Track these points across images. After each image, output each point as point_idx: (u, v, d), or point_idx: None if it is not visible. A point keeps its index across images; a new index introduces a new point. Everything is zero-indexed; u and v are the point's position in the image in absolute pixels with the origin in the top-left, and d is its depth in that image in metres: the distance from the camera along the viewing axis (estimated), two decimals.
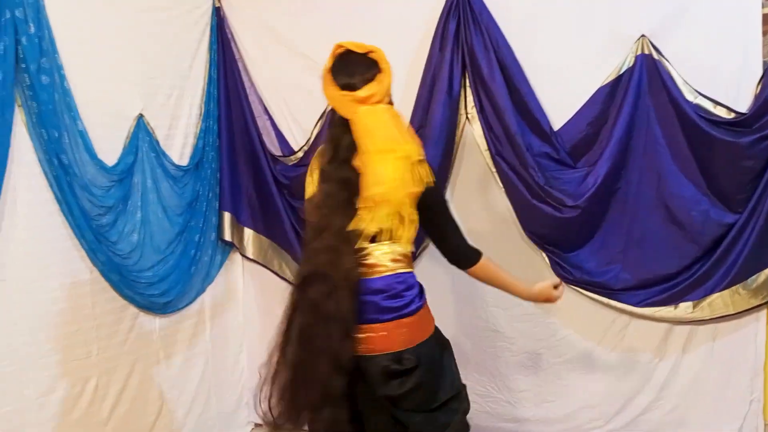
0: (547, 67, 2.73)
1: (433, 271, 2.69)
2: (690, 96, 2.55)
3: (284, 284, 3.28)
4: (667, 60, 2.57)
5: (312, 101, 3.12)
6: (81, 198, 2.50)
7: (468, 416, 2.13)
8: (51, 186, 2.43)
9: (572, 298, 2.81)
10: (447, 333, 2.18)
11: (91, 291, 2.59)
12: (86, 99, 2.53)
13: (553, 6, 2.74)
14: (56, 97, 2.41)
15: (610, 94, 2.64)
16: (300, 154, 3.18)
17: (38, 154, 2.39)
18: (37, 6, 2.32)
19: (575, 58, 2.71)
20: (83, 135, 2.52)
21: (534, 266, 2.85)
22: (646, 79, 2.59)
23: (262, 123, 3.25)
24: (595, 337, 2.84)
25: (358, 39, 2.93)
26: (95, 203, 2.57)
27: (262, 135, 3.23)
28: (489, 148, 2.79)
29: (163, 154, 2.92)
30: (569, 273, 2.75)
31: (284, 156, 3.21)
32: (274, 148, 3.24)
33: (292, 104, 3.20)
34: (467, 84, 2.83)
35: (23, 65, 2.31)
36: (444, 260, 2.12)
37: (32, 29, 2.32)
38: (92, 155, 2.56)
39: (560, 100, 2.73)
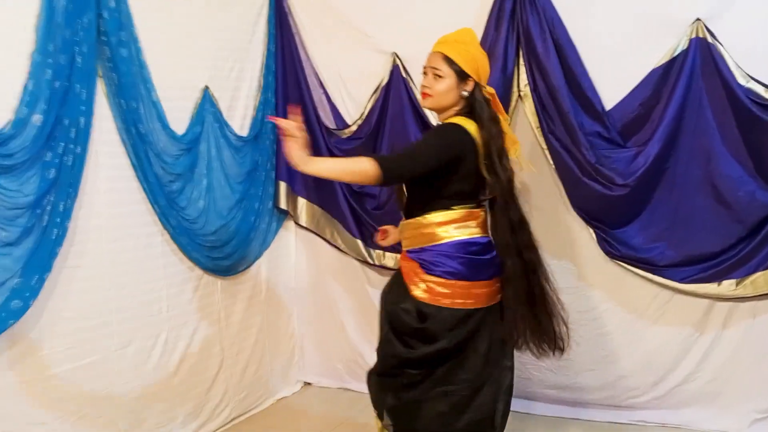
0: (601, 48, 2.79)
1: None
2: (742, 80, 2.59)
3: (334, 251, 3.43)
4: (721, 44, 2.62)
5: (366, 76, 3.24)
6: (155, 165, 2.66)
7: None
8: (128, 154, 2.59)
9: (616, 272, 2.91)
10: None
11: (162, 253, 2.77)
12: (157, 71, 2.66)
13: None
14: (134, 69, 2.55)
15: (663, 76, 2.70)
16: (354, 128, 3.30)
17: (117, 122, 2.55)
18: None
19: (629, 40, 2.77)
20: (156, 105, 2.66)
21: (581, 241, 2.95)
22: (699, 63, 2.65)
23: (318, 96, 3.36)
24: (636, 310, 2.94)
25: (415, 16, 3.09)
26: (167, 170, 2.72)
27: (317, 108, 3.34)
28: (541, 126, 2.87)
29: (226, 124, 3.06)
30: (615, 248, 2.84)
31: (338, 129, 3.32)
32: (329, 121, 3.35)
33: (347, 79, 3.30)
34: (521, 62, 2.90)
35: (104, 38, 2.45)
36: None
37: (112, 3, 2.46)
38: (164, 125, 2.71)
39: (613, 80, 2.79)
